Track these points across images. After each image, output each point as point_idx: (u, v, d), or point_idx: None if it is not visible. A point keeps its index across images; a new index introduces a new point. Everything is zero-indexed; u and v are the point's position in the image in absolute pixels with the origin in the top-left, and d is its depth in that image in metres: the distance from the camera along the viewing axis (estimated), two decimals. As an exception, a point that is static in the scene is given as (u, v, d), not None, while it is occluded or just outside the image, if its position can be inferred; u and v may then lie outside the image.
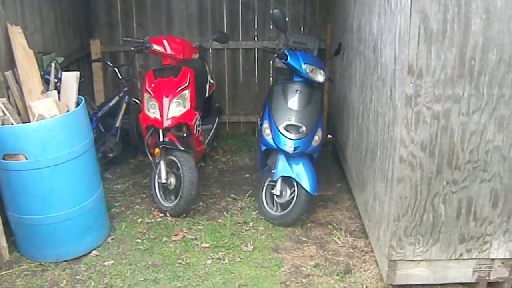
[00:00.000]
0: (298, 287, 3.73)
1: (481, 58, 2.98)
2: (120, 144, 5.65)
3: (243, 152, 6.11)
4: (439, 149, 3.19)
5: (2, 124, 3.74)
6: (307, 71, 4.43)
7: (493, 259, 3.53)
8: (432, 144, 3.17)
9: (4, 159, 3.70)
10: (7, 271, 3.90)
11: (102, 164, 4.41)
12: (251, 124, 6.73)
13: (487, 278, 3.60)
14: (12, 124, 3.78)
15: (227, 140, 6.42)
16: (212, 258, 4.07)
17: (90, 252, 4.14)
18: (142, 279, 3.81)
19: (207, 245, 4.24)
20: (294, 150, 4.26)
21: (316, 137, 4.43)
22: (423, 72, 3.01)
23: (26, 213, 3.86)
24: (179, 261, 4.03)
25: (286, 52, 4.47)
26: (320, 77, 4.50)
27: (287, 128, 4.32)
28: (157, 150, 4.62)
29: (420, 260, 3.52)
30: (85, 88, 5.33)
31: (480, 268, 3.56)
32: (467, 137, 3.16)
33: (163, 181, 4.61)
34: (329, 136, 6.13)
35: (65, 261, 4.01)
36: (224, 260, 4.04)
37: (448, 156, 3.21)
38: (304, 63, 4.43)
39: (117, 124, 5.59)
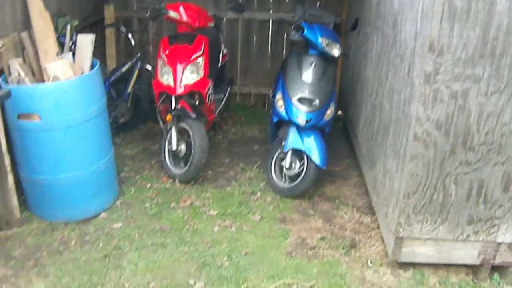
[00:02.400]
0: (303, 258, 3.77)
1: (504, 39, 2.93)
2: (131, 110, 5.66)
3: (253, 123, 6.11)
4: (454, 128, 3.17)
5: (18, 84, 3.75)
6: (323, 44, 4.40)
7: (499, 243, 3.54)
8: (448, 123, 3.16)
9: (18, 119, 3.71)
10: (18, 229, 3.96)
11: (112, 129, 4.42)
12: (262, 96, 6.71)
13: (491, 261, 3.60)
14: (27, 84, 3.78)
15: (237, 111, 6.41)
16: (219, 225, 4.11)
17: (99, 214, 4.18)
18: (150, 243, 3.86)
19: (214, 212, 4.27)
20: (306, 123, 4.25)
21: (328, 111, 4.42)
22: (444, 50, 2.98)
23: (38, 173, 3.90)
24: (186, 227, 4.07)
25: (303, 24, 4.44)
26: (335, 51, 4.47)
27: (300, 100, 4.31)
28: (168, 116, 4.63)
29: (427, 239, 3.53)
30: (97, 53, 5.34)
31: (485, 251, 3.57)
32: (483, 119, 3.14)
33: (174, 148, 4.62)
34: (340, 112, 6.11)
35: (75, 221, 4.06)
36: (231, 228, 4.08)
37: (463, 136, 3.19)
38: (321, 36, 4.40)
39: (129, 90, 5.58)
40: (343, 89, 6.19)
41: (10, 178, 3.87)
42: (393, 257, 3.61)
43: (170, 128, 4.66)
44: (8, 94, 3.49)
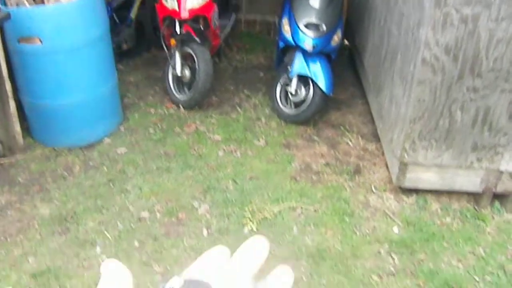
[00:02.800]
0: (307, 183, 3.80)
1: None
2: (134, 36, 5.57)
3: (258, 51, 6.02)
4: (463, 54, 3.12)
5: (17, 6, 3.67)
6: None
7: (502, 172, 3.55)
8: (457, 48, 3.10)
9: (19, 43, 3.66)
10: (21, 156, 3.97)
11: (115, 56, 4.37)
12: (267, 24, 6.57)
13: (493, 189, 3.63)
14: (27, 7, 3.71)
15: (242, 38, 6.31)
16: (224, 150, 4.12)
17: (103, 140, 4.19)
18: (154, 167, 3.88)
19: (219, 138, 4.28)
20: (312, 49, 4.19)
21: (335, 37, 4.35)
22: (456, -28, 2.90)
23: (40, 98, 3.88)
24: (191, 151, 4.08)
25: None
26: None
27: (307, 26, 4.23)
28: (173, 41, 4.55)
29: (431, 165, 3.54)
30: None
31: (488, 178, 3.58)
32: (493, 44, 3.08)
33: (178, 73, 4.58)
34: (346, 41, 6.01)
35: (78, 147, 4.06)
36: (236, 153, 4.09)
37: (471, 62, 3.14)
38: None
39: (132, 16, 5.48)
40: (350, 18, 6.07)
41: (12, 104, 3.84)
42: (397, 183, 3.64)
43: (174, 53, 4.59)
44: (8, 16, 3.43)
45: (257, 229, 3.38)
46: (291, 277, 0.53)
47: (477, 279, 3.16)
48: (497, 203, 3.70)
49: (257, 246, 0.53)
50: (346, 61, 5.83)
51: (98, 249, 3.21)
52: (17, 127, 3.98)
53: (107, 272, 0.51)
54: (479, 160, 3.50)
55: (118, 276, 0.51)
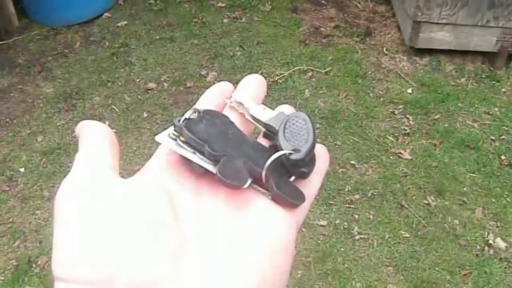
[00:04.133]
0: (317, 46, 3.69)
1: None
2: None
3: None
4: None
5: None
6: None
7: (519, 30, 3.44)
8: None
9: None
10: (18, 37, 3.83)
11: None
12: None
13: (509, 49, 3.53)
14: None
15: None
16: (229, 17, 3.98)
17: (102, 15, 4.03)
18: (157, 37, 3.75)
19: (223, 4, 4.11)
20: None
21: None
22: None
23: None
24: (194, 20, 3.94)
25: None
26: None
27: None
28: None
29: (445, 24, 3.42)
30: None
31: (504, 38, 3.47)
32: None
33: None
34: None
35: (77, 24, 3.92)
36: (241, 19, 3.95)
37: None
38: None
39: None
40: None
41: (1, -17, 3.69)
42: (410, 43, 3.52)
43: None
44: None
45: (267, 93, 3.29)
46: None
47: (492, 138, 3.12)
48: (512, 64, 3.61)
49: (255, 80, 0.52)
50: None
51: (106, 123, 3.14)
52: (11, 8, 3.83)
53: (85, 132, 0.44)
54: (495, 18, 3.37)
55: (100, 135, 0.44)
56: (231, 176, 0.42)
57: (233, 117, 0.49)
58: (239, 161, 0.44)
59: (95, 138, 0.44)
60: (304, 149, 0.45)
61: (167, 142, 0.44)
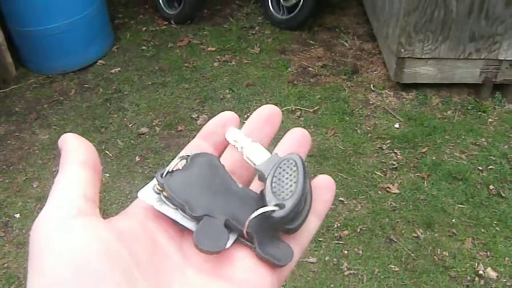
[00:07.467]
0: (305, 86, 3.77)
1: None
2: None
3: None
4: None
5: None
6: None
7: (501, 60, 3.50)
8: None
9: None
10: (15, 86, 3.93)
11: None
12: None
13: (493, 79, 3.59)
14: None
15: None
16: (219, 60, 4.07)
17: (96, 62, 4.13)
18: (150, 82, 3.85)
19: (213, 48, 4.22)
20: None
21: None
22: None
23: (28, 25, 3.82)
24: (185, 64, 4.04)
25: None
26: None
27: None
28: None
29: (429, 58, 3.49)
30: None
31: (487, 69, 3.54)
32: None
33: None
34: None
35: (72, 71, 4.03)
36: (231, 62, 4.04)
37: None
38: None
39: None
40: None
41: (0, 34, 3.80)
42: (395, 79, 3.60)
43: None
44: None
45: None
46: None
47: (480, 168, 3.17)
48: (497, 94, 3.67)
49: (269, 112, 0.50)
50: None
51: (100, 167, 3.21)
52: (8, 58, 3.94)
53: (66, 151, 0.44)
54: (477, 50, 3.44)
55: (80, 157, 0.43)
56: (207, 243, 0.41)
57: (233, 156, 0.48)
58: (220, 221, 0.42)
59: (74, 162, 0.42)
60: (289, 204, 0.42)
61: (149, 199, 0.43)
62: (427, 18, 3.30)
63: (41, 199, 3.02)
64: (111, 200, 2.99)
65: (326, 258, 2.67)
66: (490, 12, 3.28)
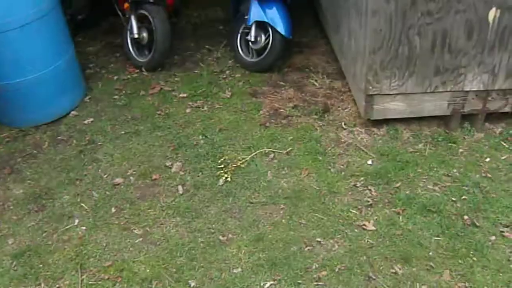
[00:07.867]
0: (277, 127, 3.82)
1: None
2: (89, 6, 5.44)
3: (215, 5, 5.92)
4: (413, -22, 3.11)
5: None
6: None
7: (467, 91, 3.58)
8: (406, -27, 3.09)
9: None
10: (-13, 141, 3.91)
11: (72, 28, 4.28)
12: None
13: (461, 110, 3.67)
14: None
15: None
16: (191, 106, 4.11)
17: (69, 113, 4.13)
18: (123, 132, 3.86)
19: (185, 95, 4.25)
20: (266, -5, 4.14)
21: (288, -20, 4.29)
22: None
23: (-2, 80, 3.80)
24: (158, 112, 4.06)
25: None
26: None
27: (258, -28, 4.18)
28: (126, 4, 4.47)
29: (396, 94, 3.56)
30: None
31: (454, 100, 3.62)
32: (442, -35, 3.07)
33: (135, 35, 4.50)
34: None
35: (45, 124, 4.02)
36: (203, 108, 4.08)
37: (422, -14, 3.13)
38: None
39: (83, -16, 5.34)
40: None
41: (-29, 90, 3.79)
42: (366, 116, 3.65)
43: (129, 17, 4.51)
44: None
45: (231, 179, 3.39)
46: None
47: (453, 199, 3.21)
48: (466, 124, 3.75)
49: None
50: (305, 4, 5.77)
51: (76, 220, 3.20)
52: (-20, 113, 3.92)
53: None
54: (443, 83, 3.52)
55: None
56: None
57: None
58: None
59: None
60: None
61: None
62: (392, 56, 3.37)
63: (17, 256, 2.99)
64: (88, 254, 2.97)
65: (306, 301, 2.67)
66: (453, 46, 3.36)
